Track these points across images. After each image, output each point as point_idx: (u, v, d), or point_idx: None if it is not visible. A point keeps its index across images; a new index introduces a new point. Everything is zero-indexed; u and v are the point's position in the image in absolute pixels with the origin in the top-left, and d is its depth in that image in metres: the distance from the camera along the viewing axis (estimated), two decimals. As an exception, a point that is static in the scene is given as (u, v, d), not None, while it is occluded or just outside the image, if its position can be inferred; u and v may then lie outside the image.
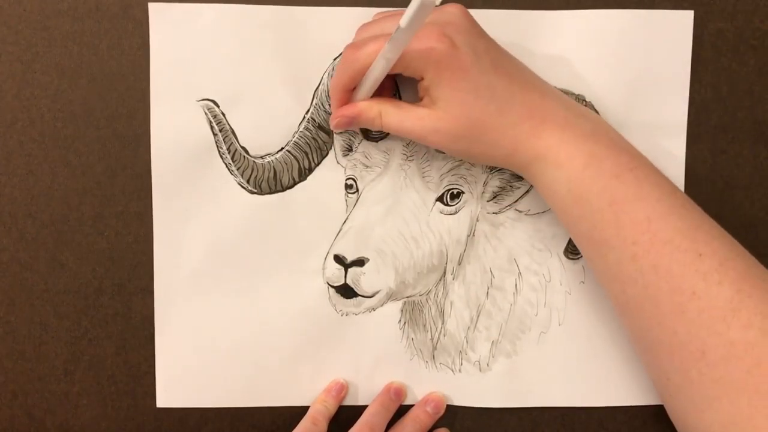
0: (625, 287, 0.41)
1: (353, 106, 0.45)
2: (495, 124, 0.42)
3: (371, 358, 0.50)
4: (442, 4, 0.40)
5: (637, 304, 0.41)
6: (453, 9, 0.43)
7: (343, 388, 0.50)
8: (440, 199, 0.49)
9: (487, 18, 0.48)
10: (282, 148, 0.49)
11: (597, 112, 0.49)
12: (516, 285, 0.50)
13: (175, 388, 0.50)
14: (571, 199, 0.42)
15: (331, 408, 0.49)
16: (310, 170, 0.49)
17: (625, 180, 0.41)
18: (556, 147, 0.42)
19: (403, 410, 0.50)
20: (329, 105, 0.48)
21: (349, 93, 0.45)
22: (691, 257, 0.40)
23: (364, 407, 0.50)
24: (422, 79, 0.43)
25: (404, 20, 0.37)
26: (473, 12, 0.48)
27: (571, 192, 0.42)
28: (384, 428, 0.48)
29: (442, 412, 0.50)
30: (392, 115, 0.44)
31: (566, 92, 0.48)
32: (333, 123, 0.46)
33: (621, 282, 0.42)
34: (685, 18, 0.49)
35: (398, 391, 0.50)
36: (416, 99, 0.45)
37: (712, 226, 0.41)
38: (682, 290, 0.39)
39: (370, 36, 0.44)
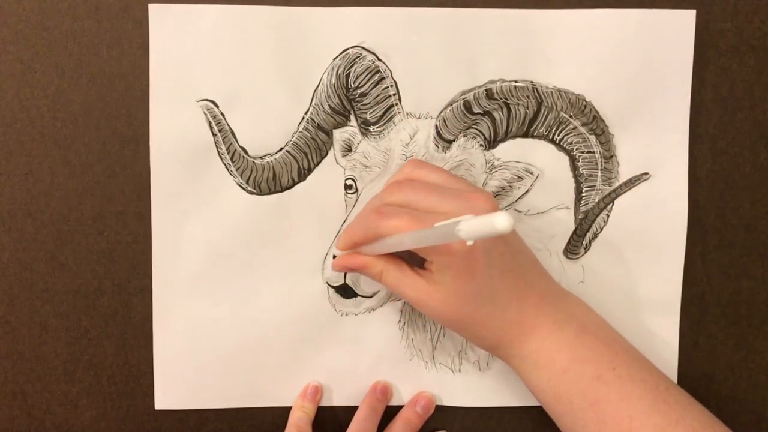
0: None
1: (359, 257, 0.44)
2: (485, 322, 0.43)
3: (371, 359, 0.50)
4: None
5: None
6: (484, 206, 0.41)
7: (317, 391, 0.50)
8: (440, 199, 0.49)
9: (486, 18, 0.48)
10: (281, 149, 0.49)
11: (597, 111, 0.49)
12: (516, 285, 0.50)
13: (173, 389, 0.50)
14: (552, 397, 0.43)
15: (311, 412, 0.49)
16: (310, 170, 0.49)
17: (606, 380, 0.42)
18: (538, 351, 0.43)
19: (394, 410, 0.50)
20: (329, 105, 0.48)
21: (359, 246, 0.45)
22: None
23: (363, 407, 0.50)
24: (428, 261, 0.42)
25: (465, 232, 0.32)
26: (473, 11, 0.48)
27: (552, 390, 0.43)
28: (375, 430, 0.49)
29: (432, 411, 0.50)
30: (393, 277, 0.44)
31: (566, 92, 0.48)
32: (334, 266, 0.46)
33: None
34: (687, 17, 0.49)
35: (384, 390, 0.50)
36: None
37: (693, 419, 0.42)
38: None
39: (397, 205, 0.42)
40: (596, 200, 0.49)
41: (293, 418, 0.49)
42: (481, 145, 0.49)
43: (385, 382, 0.50)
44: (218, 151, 0.49)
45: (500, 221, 0.30)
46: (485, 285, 0.42)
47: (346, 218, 0.49)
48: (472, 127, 0.49)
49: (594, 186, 0.49)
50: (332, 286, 0.49)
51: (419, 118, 0.49)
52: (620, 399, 0.41)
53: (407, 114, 0.49)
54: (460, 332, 0.44)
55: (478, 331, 0.43)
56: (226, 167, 0.49)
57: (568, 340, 0.43)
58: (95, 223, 0.49)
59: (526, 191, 0.49)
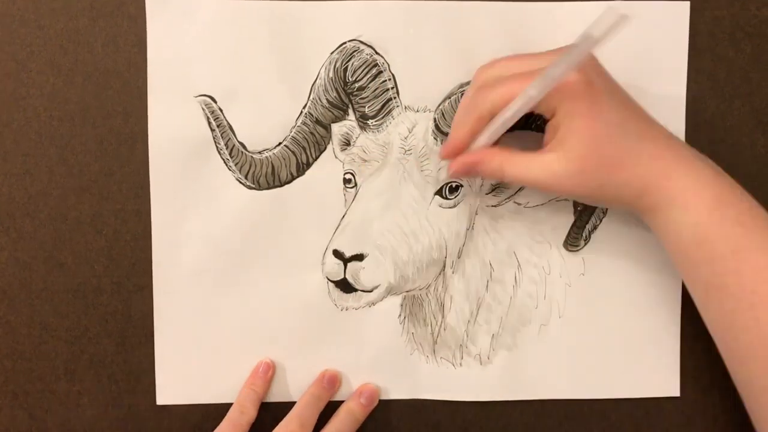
0: (739, 334, 0.41)
1: (474, 154, 0.44)
2: (626, 163, 0.41)
3: (371, 353, 0.50)
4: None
5: (750, 352, 0.41)
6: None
7: (269, 368, 0.49)
8: (439, 192, 0.49)
9: (484, 10, 0.48)
10: (280, 143, 0.49)
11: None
12: (516, 278, 0.50)
13: (174, 385, 0.50)
14: (695, 244, 0.41)
15: (260, 391, 0.49)
16: (308, 165, 0.49)
17: (748, 228, 0.41)
18: (686, 189, 0.41)
19: (395, 409, 0.50)
20: (326, 100, 0.48)
21: (473, 137, 0.44)
22: None
23: (365, 402, 0.50)
24: (552, 116, 0.42)
25: (594, 28, 0.33)
26: (470, 4, 0.48)
27: (696, 236, 0.41)
28: (315, 419, 0.48)
29: (376, 403, 0.50)
30: (517, 164, 0.42)
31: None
32: (450, 171, 0.45)
33: (735, 329, 0.41)
34: (682, 9, 0.49)
35: (332, 379, 0.50)
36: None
37: None
38: None
39: (496, 77, 0.42)
40: (595, 191, 0.49)
41: (239, 397, 0.48)
42: (479, 138, 0.49)
43: (334, 371, 0.50)
44: (217, 147, 0.48)
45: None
46: (614, 116, 0.41)
47: (345, 212, 0.49)
48: (471, 120, 0.48)
49: (592, 177, 0.49)
50: (332, 281, 0.49)
51: (417, 111, 0.49)
52: (760, 248, 0.40)
53: (405, 107, 0.49)
54: (605, 194, 0.42)
55: (624, 178, 0.41)
56: (224, 162, 0.49)
57: (709, 179, 0.41)
58: (94, 222, 0.49)
59: (526, 183, 0.49)
